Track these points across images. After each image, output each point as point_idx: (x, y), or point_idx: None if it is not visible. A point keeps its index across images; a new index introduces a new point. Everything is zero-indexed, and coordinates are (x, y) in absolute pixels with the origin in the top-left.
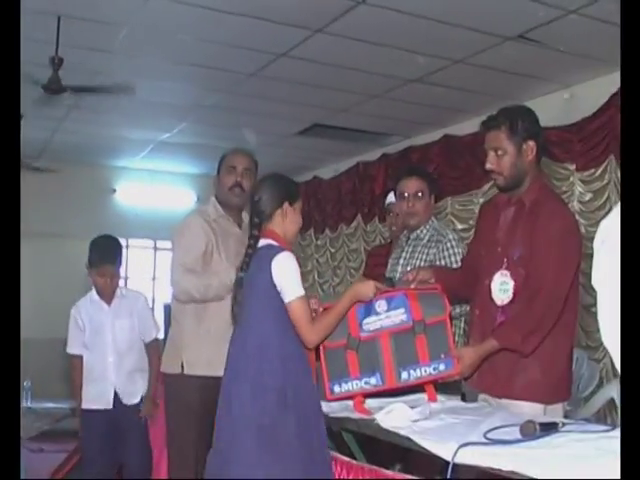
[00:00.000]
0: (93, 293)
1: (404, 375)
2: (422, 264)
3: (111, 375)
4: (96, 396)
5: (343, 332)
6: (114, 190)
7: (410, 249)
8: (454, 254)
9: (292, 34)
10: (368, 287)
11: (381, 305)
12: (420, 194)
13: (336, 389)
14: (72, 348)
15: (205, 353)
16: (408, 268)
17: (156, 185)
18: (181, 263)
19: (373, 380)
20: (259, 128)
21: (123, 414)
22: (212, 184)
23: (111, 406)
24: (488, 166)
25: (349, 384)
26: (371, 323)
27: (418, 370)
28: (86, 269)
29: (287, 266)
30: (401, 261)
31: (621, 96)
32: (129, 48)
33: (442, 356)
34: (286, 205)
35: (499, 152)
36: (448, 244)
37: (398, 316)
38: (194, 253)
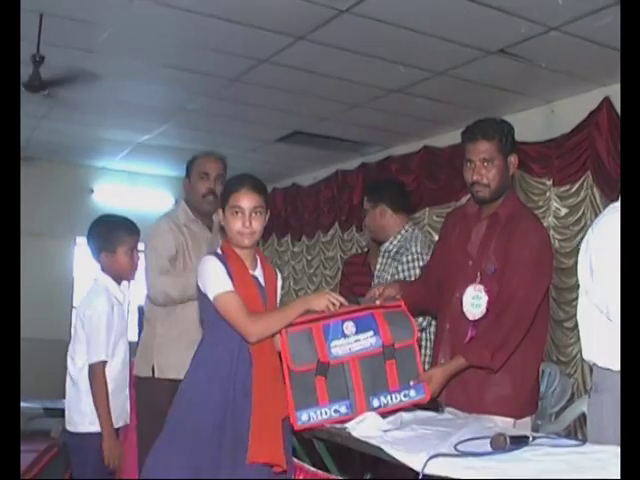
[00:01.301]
0: (107, 281)
1: (375, 402)
2: (390, 278)
3: (127, 385)
4: (118, 412)
5: (311, 356)
6: (92, 190)
7: (382, 261)
8: (413, 268)
9: (275, 41)
10: (320, 298)
11: (349, 327)
12: (366, 208)
13: (304, 418)
14: (102, 353)
15: (176, 357)
16: (379, 282)
17: (134, 186)
18: (155, 266)
19: (343, 408)
20: (239, 133)
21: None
22: (182, 187)
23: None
24: (476, 177)
25: (318, 412)
26: (340, 347)
27: (389, 397)
28: (101, 255)
29: (201, 269)
30: (376, 273)
31: (621, 104)
32: (112, 49)
33: (412, 383)
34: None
35: (488, 164)
36: (409, 257)
37: (367, 339)
38: (166, 256)
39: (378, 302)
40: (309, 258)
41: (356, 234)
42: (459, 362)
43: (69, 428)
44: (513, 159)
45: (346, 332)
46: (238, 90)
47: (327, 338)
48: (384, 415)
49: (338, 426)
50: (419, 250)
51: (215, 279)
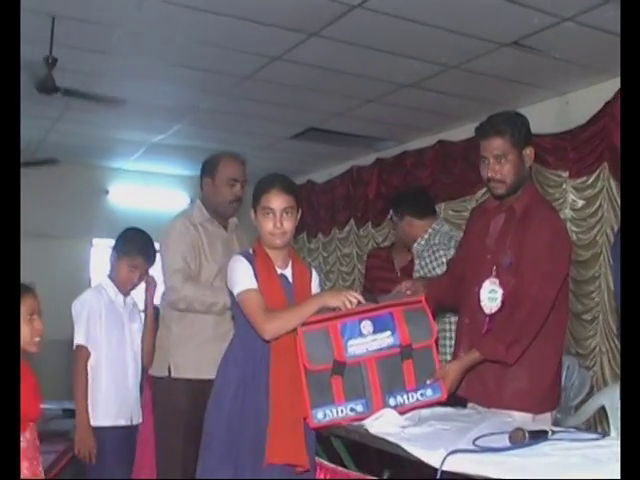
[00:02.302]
0: (107, 284)
1: (391, 401)
2: (415, 275)
3: (131, 381)
4: (117, 407)
5: (328, 355)
6: (107, 191)
7: (416, 263)
8: (433, 260)
9: (287, 37)
10: (337, 296)
11: (366, 326)
12: (395, 224)
13: (319, 416)
14: (82, 338)
15: (192, 356)
16: None
17: (149, 187)
18: (175, 269)
19: (359, 407)
20: (253, 131)
21: (131, 437)
22: (200, 186)
23: (131, 422)
24: (490, 174)
25: (334, 411)
26: (357, 346)
27: (405, 396)
28: (113, 256)
29: (230, 268)
30: (413, 274)
31: (621, 101)
32: (124, 49)
33: (428, 381)
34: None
35: (502, 160)
36: (429, 251)
37: (385, 339)
38: (183, 256)
39: (408, 292)
40: (325, 255)
41: (372, 230)
42: (474, 356)
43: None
44: (529, 152)
45: (363, 331)
46: (251, 88)
47: (344, 337)
48: (401, 413)
49: (356, 423)
50: (437, 242)
51: (239, 277)
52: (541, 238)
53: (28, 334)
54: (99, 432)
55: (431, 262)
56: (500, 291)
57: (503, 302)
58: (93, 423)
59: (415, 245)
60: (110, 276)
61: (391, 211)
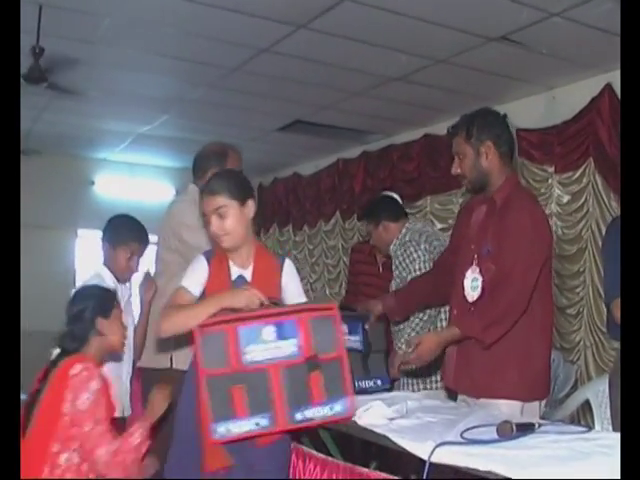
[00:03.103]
0: (105, 273)
1: (298, 416)
2: (399, 281)
3: (125, 374)
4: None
5: (225, 360)
6: (93, 182)
7: (393, 267)
8: (406, 257)
9: (275, 29)
10: (239, 295)
11: (269, 333)
12: (369, 231)
13: (220, 430)
14: None
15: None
16: (395, 283)
17: (135, 178)
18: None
19: (264, 421)
20: (240, 123)
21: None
22: (199, 175)
23: (122, 414)
24: (453, 171)
25: (237, 425)
26: (256, 352)
27: (313, 410)
28: (106, 246)
29: (189, 265)
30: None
31: (621, 96)
32: (112, 39)
33: (337, 398)
34: None
35: (460, 156)
36: (401, 249)
37: (289, 347)
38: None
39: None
40: (311, 247)
41: (357, 223)
42: (452, 331)
43: None
44: (488, 144)
45: (265, 337)
46: (238, 80)
47: (242, 342)
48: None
49: None
50: (407, 239)
51: (186, 274)
52: (519, 224)
53: (121, 334)
54: None
55: (404, 260)
56: (481, 279)
57: (483, 289)
58: None
59: (391, 247)
60: (106, 265)
61: (364, 221)
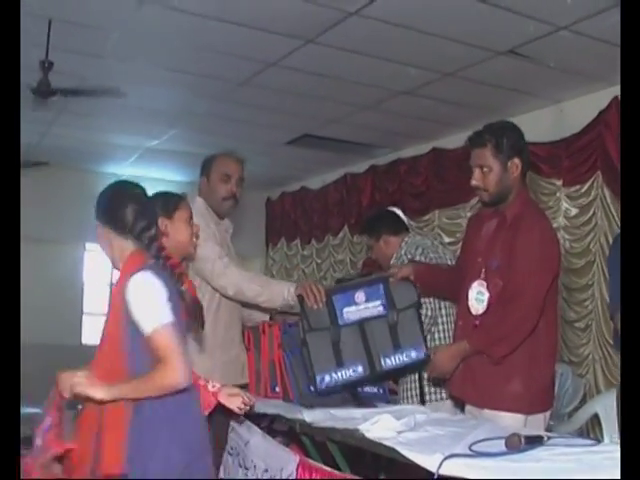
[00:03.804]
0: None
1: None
2: None
3: None
4: None
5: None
6: None
7: None
8: None
9: (283, 44)
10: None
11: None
12: (369, 246)
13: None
14: None
15: (203, 364)
16: None
17: None
18: (217, 255)
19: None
20: (249, 137)
21: None
22: (198, 187)
23: None
24: (474, 183)
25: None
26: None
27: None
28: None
29: None
30: None
31: (621, 107)
32: (120, 53)
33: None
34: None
35: (484, 169)
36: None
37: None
38: (216, 241)
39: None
40: (319, 261)
41: (365, 237)
42: (462, 345)
43: None
44: (516, 162)
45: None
46: (246, 93)
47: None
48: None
49: (351, 427)
50: (403, 253)
51: None
52: (530, 242)
53: (187, 235)
54: None
55: None
56: (487, 294)
57: (489, 303)
58: None
59: (391, 262)
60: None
61: (365, 236)
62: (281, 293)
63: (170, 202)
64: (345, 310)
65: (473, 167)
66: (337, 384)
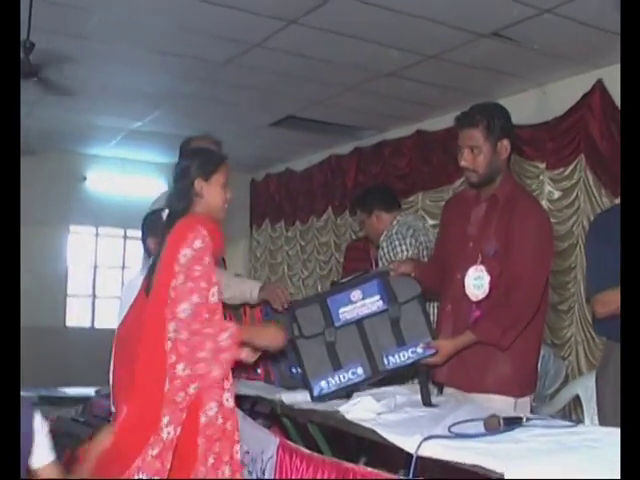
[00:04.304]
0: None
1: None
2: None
3: None
4: None
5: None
6: (85, 178)
7: (378, 257)
8: (390, 250)
9: (267, 24)
10: None
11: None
12: (361, 221)
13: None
14: None
15: None
16: None
17: (127, 174)
18: None
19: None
20: (233, 118)
21: None
22: None
23: None
24: (463, 163)
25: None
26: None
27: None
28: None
29: None
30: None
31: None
32: (102, 34)
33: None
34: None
35: (475, 150)
36: (387, 241)
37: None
38: None
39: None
40: (303, 243)
41: (349, 219)
42: (469, 337)
43: None
44: (505, 144)
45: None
46: (230, 75)
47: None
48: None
49: (331, 409)
50: (395, 232)
51: None
52: (529, 226)
53: (221, 200)
54: None
55: (388, 252)
56: (487, 278)
57: (490, 289)
58: None
59: (381, 238)
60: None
61: (357, 210)
62: (245, 292)
63: (209, 164)
64: (341, 310)
65: (462, 148)
66: (336, 389)
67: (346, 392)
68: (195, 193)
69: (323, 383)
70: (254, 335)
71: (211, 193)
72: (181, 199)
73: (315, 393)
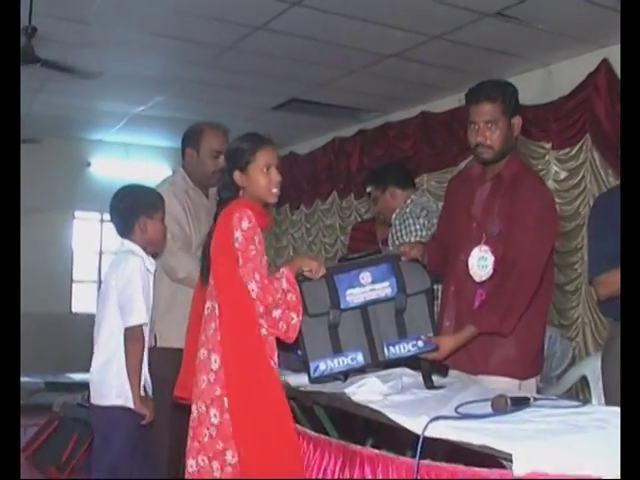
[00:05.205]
0: (139, 251)
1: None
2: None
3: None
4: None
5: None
6: (89, 163)
7: (389, 235)
8: (403, 228)
9: (270, 7)
10: None
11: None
12: (374, 197)
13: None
14: (143, 316)
15: (178, 325)
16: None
17: (131, 158)
18: (173, 233)
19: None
20: (235, 102)
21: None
22: (182, 156)
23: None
24: (479, 139)
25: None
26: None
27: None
28: (138, 221)
29: None
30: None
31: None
32: (105, 19)
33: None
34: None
35: (491, 125)
36: (400, 219)
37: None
38: (178, 221)
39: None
40: (308, 226)
41: (354, 201)
42: (470, 330)
43: (95, 402)
44: (517, 120)
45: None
46: (233, 58)
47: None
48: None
49: (338, 391)
50: (408, 211)
51: None
52: (531, 207)
53: (262, 185)
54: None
55: (400, 230)
56: (491, 258)
57: (495, 270)
58: (119, 402)
59: (393, 215)
60: (137, 241)
61: (370, 187)
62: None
63: (243, 154)
64: (348, 292)
65: (477, 123)
66: (333, 372)
67: (343, 374)
68: (236, 184)
69: (322, 365)
70: (297, 265)
71: (251, 181)
72: (226, 191)
73: (312, 374)
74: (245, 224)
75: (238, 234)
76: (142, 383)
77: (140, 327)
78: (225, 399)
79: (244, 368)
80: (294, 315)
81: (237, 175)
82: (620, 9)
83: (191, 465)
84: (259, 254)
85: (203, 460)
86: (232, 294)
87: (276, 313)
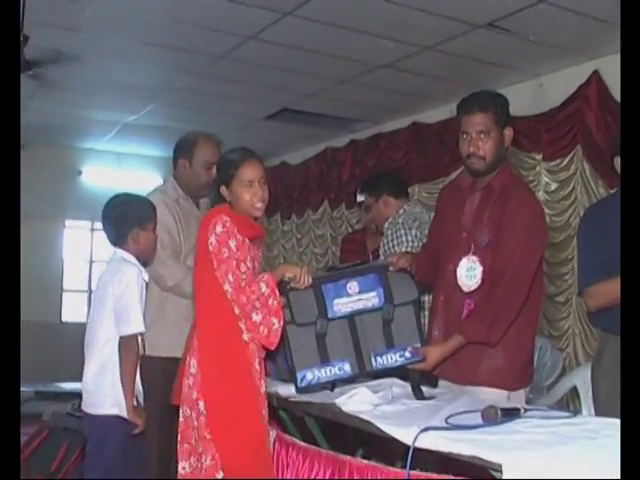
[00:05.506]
0: (133, 261)
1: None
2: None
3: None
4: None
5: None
6: (80, 172)
7: (381, 244)
8: (395, 238)
9: (261, 17)
10: None
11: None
12: (367, 205)
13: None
14: (141, 325)
15: (167, 334)
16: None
17: (122, 167)
18: (162, 242)
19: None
20: (227, 111)
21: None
22: (174, 165)
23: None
24: (471, 149)
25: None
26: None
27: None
28: (131, 232)
29: None
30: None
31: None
32: (96, 27)
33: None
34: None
35: (483, 136)
36: (392, 229)
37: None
38: (168, 230)
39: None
40: (299, 236)
41: (345, 212)
42: (457, 340)
43: (89, 410)
44: (508, 132)
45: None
46: (225, 68)
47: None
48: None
49: (328, 401)
50: (400, 221)
51: None
52: (520, 217)
53: (245, 200)
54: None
55: (392, 240)
56: (480, 268)
57: (483, 280)
58: (114, 411)
59: (385, 225)
60: (130, 251)
61: (363, 195)
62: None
63: (226, 169)
64: (336, 302)
65: (470, 133)
66: (320, 382)
67: (330, 383)
68: (224, 198)
69: (309, 374)
70: (280, 272)
71: (234, 196)
72: (217, 203)
73: (300, 383)
74: (219, 229)
75: (212, 239)
76: (135, 392)
77: (135, 336)
78: (200, 402)
79: (219, 370)
80: (275, 320)
81: (223, 189)
82: (620, 18)
83: (183, 467)
84: (233, 257)
85: (195, 462)
86: (208, 297)
87: (256, 318)
